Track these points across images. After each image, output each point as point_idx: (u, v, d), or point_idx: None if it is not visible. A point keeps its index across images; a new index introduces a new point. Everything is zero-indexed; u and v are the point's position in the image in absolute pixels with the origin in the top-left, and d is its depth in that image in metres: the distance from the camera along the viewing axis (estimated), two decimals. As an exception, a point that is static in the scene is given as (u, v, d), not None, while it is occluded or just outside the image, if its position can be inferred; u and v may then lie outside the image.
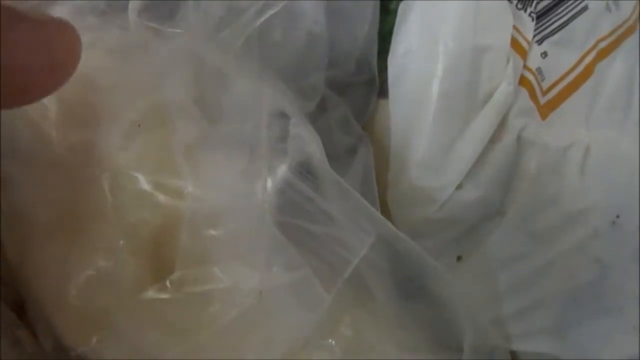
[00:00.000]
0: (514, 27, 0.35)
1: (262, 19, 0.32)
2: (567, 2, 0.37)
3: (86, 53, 0.30)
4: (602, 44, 0.39)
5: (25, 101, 0.23)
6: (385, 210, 0.35)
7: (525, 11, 0.36)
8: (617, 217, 0.36)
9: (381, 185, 0.35)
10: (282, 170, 0.27)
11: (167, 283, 0.28)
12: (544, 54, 0.36)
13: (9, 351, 0.31)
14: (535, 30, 0.36)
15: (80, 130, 0.29)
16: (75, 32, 0.24)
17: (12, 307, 0.33)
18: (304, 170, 0.27)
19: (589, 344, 0.36)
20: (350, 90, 0.35)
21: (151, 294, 0.28)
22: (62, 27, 0.24)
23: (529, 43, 0.36)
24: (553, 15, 0.36)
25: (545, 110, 0.36)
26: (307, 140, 0.28)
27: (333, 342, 0.29)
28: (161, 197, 0.27)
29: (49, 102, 0.29)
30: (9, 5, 0.22)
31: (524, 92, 0.35)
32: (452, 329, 0.32)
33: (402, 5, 0.36)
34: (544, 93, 0.36)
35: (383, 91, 0.36)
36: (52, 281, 0.30)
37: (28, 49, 0.22)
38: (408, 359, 0.30)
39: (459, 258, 0.36)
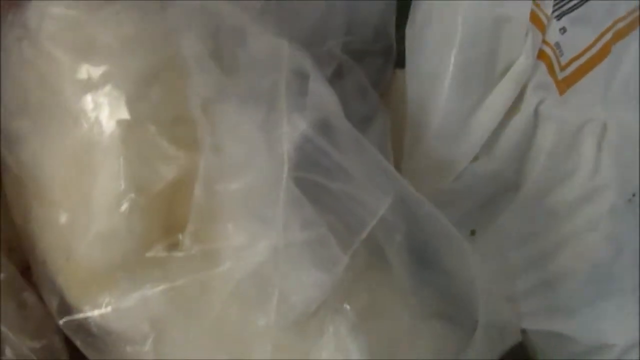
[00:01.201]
0: (533, 1, 0.35)
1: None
2: (586, -20, 0.36)
3: (103, 7, 0.30)
4: (620, 25, 0.38)
5: None
6: (400, 181, 0.34)
7: (545, -14, 0.35)
8: (633, 195, 0.35)
9: (397, 155, 0.34)
10: (301, 124, 0.26)
11: (180, 238, 0.27)
12: (563, 30, 0.36)
13: (15, 314, 0.30)
14: (554, 5, 0.36)
15: (93, 81, 0.28)
16: None
17: (19, 271, 0.32)
18: (323, 126, 0.27)
19: (602, 325, 0.36)
20: (367, 59, 0.35)
21: (160, 250, 0.27)
22: None
23: (548, 18, 0.36)
24: (572, -9, 0.36)
25: (563, 86, 0.36)
26: (326, 97, 0.27)
27: (348, 306, 0.28)
28: (176, 150, 0.27)
29: (62, 55, 0.29)
30: None
31: (542, 66, 0.35)
32: (467, 302, 0.31)
33: (421, -25, 0.36)
34: (562, 68, 0.36)
35: (400, 61, 0.35)
36: (58, 240, 0.29)
37: None
38: (422, 328, 0.30)
39: (472, 232, 0.35)
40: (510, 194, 0.35)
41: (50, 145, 0.29)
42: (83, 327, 0.29)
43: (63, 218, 0.29)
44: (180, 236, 0.27)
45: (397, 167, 0.34)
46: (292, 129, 0.26)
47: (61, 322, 0.29)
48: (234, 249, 0.27)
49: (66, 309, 0.29)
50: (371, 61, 0.35)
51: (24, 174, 0.30)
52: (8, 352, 0.29)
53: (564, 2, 0.36)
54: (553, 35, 0.36)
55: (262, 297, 0.27)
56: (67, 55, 0.29)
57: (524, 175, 0.35)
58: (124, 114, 0.27)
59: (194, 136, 0.27)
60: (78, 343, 0.29)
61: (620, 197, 0.35)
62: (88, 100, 0.28)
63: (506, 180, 0.35)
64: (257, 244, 0.26)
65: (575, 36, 0.36)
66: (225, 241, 0.27)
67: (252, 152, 0.26)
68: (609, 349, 0.36)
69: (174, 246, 0.28)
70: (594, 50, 0.37)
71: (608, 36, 0.38)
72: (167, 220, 0.28)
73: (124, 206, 0.27)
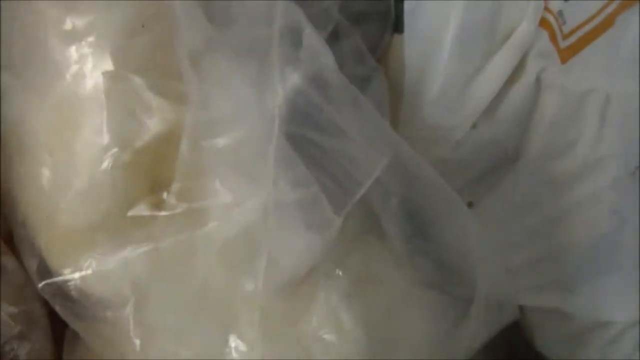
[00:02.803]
0: (536, -32, 0.34)
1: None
2: (590, -52, 0.35)
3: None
4: (624, -4, 0.37)
5: None
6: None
7: (547, -48, 0.34)
8: (637, 168, 0.34)
9: (394, 123, 0.33)
10: (294, 78, 0.25)
11: (164, 196, 0.26)
12: (566, -2, 0.35)
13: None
14: (557, -27, 0.35)
15: (78, 32, 0.27)
16: None
17: (3, 238, 0.31)
18: (317, 80, 0.25)
19: (602, 301, 0.35)
20: (365, 22, 0.34)
21: (144, 209, 0.26)
22: None
23: (550, -15, 0.34)
24: (575, -41, 0.35)
25: (565, 55, 0.34)
26: (320, 51, 0.26)
27: (340, 272, 0.27)
28: (162, 103, 0.26)
29: (45, 6, 0.27)
30: None
31: (544, 34, 0.34)
32: (464, 273, 0.30)
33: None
34: (565, 37, 0.34)
35: (398, 25, 0.34)
36: (38, 198, 0.28)
37: None
38: (418, 296, 0.28)
39: (470, 204, 0.34)
40: (509, 164, 0.34)
41: (33, 99, 0.28)
42: (62, 290, 0.27)
43: (44, 175, 0.28)
44: (165, 194, 0.26)
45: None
46: (284, 82, 0.25)
47: (40, 285, 0.28)
48: (221, 208, 0.25)
49: (46, 272, 0.28)
50: (368, 24, 0.34)
51: (7, 130, 0.29)
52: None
53: (568, -30, 0.35)
54: (556, 2, 0.34)
55: (249, 260, 0.26)
56: (50, 6, 0.27)
57: (525, 144, 0.34)
58: (109, 65, 0.26)
59: (182, 89, 0.25)
60: (57, 308, 0.28)
61: (624, 169, 0.34)
62: (72, 51, 0.27)
63: (506, 149, 0.34)
64: (246, 202, 0.25)
65: (578, 5, 0.35)
66: (211, 199, 0.25)
67: (242, 107, 0.25)
68: (609, 327, 0.35)
69: (158, 205, 0.26)
70: (597, 21, 0.36)
71: (612, 6, 0.36)
72: (152, 178, 0.27)
73: (107, 161, 0.26)
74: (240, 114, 0.25)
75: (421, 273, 0.29)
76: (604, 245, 0.34)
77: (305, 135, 0.25)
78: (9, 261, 0.30)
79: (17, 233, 0.29)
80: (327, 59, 0.26)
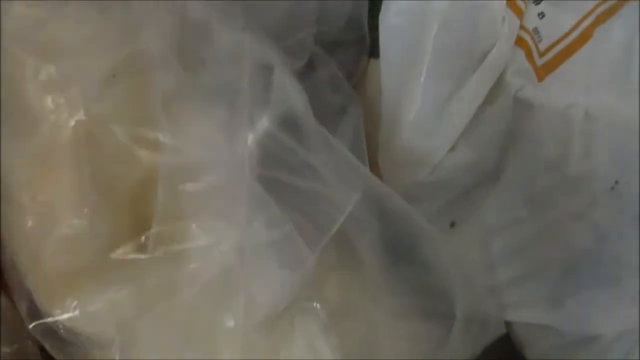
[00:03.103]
0: (511, -15, 0.34)
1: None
2: (565, -37, 0.35)
3: (64, 6, 0.29)
4: (601, 8, 0.37)
5: None
6: (376, 173, 0.33)
7: (522, -30, 0.35)
8: (616, 182, 0.34)
9: (372, 147, 0.34)
10: (264, 121, 0.26)
11: (143, 239, 0.26)
12: (541, 15, 0.35)
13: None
14: (532, -10, 0.35)
15: (55, 82, 0.27)
16: None
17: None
18: (287, 121, 0.26)
19: (587, 315, 0.35)
20: (340, 49, 0.34)
21: (127, 251, 0.27)
22: None
23: (525, 3, 0.35)
24: (551, -25, 0.35)
25: (542, 72, 0.35)
26: (290, 91, 0.27)
27: (318, 305, 0.28)
28: (138, 150, 0.26)
29: (23, 55, 0.28)
30: None
31: (520, 53, 0.34)
32: (444, 295, 0.31)
33: (393, -37, 0.35)
34: (541, 54, 0.35)
35: (374, 50, 0.35)
36: (25, 243, 0.29)
37: None
38: (397, 325, 0.29)
39: (452, 224, 0.35)
40: (490, 183, 0.34)
41: (15, 146, 0.29)
42: (52, 330, 0.28)
43: (29, 220, 0.28)
44: (144, 236, 0.27)
45: (373, 160, 0.33)
46: (254, 125, 0.26)
47: (31, 326, 0.29)
48: (199, 250, 0.26)
49: (36, 312, 0.29)
50: (344, 51, 0.34)
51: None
52: (-21, 356, 0.28)
53: (543, -15, 0.35)
54: (531, 20, 0.35)
55: (229, 298, 0.26)
56: (28, 55, 0.28)
57: (504, 164, 0.34)
58: (85, 115, 0.26)
59: (156, 136, 0.26)
60: (48, 347, 0.29)
61: (603, 185, 0.34)
62: (48, 101, 0.27)
63: (486, 169, 0.34)
64: (222, 244, 0.26)
65: (554, 21, 0.35)
66: (190, 242, 0.26)
67: (213, 152, 0.26)
68: (597, 340, 0.35)
69: (140, 247, 0.27)
70: (574, 35, 0.36)
71: (589, 20, 0.37)
72: (133, 221, 0.27)
73: (88, 208, 0.27)
74: (212, 159, 0.26)
75: (400, 301, 0.30)
76: (586, 259, 0.34)
77: (278, 177, 0.26)
78: (1, 301, 0.31)
79: (7, 274, 0.30)
80: (297, 98, 0.27)
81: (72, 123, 0.26)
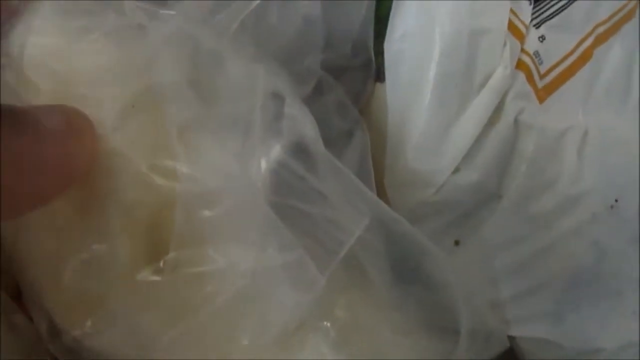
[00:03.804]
0: (511, 10, 0.35)
1: (257, 2, 0.32)
2: (564, -14, 0.37)
3: (82, 37, 0.30)
4: (601, 29, 0.39)
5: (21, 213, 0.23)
6: (382, 194, 0.35)
7: (523, -6, 0.36)
8: (616, 201, 0.35)
9: (378, 169, 0.35)
10: (276, 150, 0.27)
11: (161, 264, 0.28)
12: (542, 38, 0.36)
13: (6, 336, 0.31)
14: (532, 13, 0.36)
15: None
16: (89, 131, 0.23)
17: (10, 293, 0.33)
18: (298, 150, 0.27)
19: (588, 330, 0.36)
20: (347, 74, 0.35)
21: (146, 275, 0.28)
22: (72, 131, 0.23)
23: (526, 27, 0.36)
24: (551, -2, 0.36)
25: (543, 94, 0.36)
26: (301, 121, 0.28)
27: (328, 324, 0.29)
28: (156, 179, 0.27)
29: (42, 84, 0.29)
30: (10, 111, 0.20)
31: (521, 76, 0.35)
32: (449, 312, 0.32)
33: (398, -11, 0.36)
34: (542, 77, 0.36)
35: (380, 75, 0.36)
36: (46, 264, 0.30)
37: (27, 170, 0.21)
38: (404, 341, 0.30)
39: (456, 242, 0.36)
40: (492, 203, 0.35)
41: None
42: (73, 350, 0.29)
43: (49, 243, 0.30)
44: (163, 261, 0.28)
45: (379, 181, 0.34)
46: (267, 155, 0.27)
47: (51, 345, 0.30)
48: (215, 273, 0.27)
49: (55, 332, 0.30)
50: (351, 76, 0.36)
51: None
52: (-1, 375, 0.30)
53: (543, 10, 0.36)
54: (532, 44, 0.36)
55: (243, 318, 0.28)
56: (46, 84, 0.29)
57: (506, 184, 0.35)
58: (103, 145, 0.28)
59: (173, 165, 0.27)
60: (68, 366, 0.30)
61: (603, 204, 0.35)
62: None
63: (488, 190, 0.35)
64: (237, 267, 0.27)
65: (555, 43, 0.36)
66: (206, 265, 0.27)
67: (228, 179, 0.27)
68: (598, 353, 0.37)
69: (158, 271, 0.28)
70: (574, 57, 0.37)
71: (589, 41, 0.38)
72: (151, 246, 0.28)
73: (108, 233, 0.28)
74: (227, 187, 0.27)
75: (407, 318, 0.31)
76: (586, 276, 0.35)
77: (289, 203, 0.27)
78: (20, 319, 0.32)
79: (25, 292, 0.31)
80: (307, 128, 0.28)
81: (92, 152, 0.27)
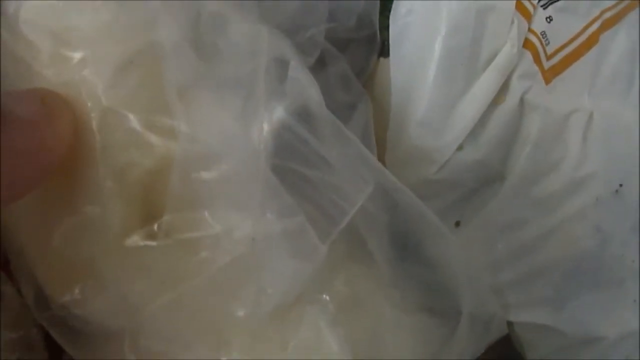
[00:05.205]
0: (519, -10, 0.35)
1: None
2: (572, -31, 0.36)
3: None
4: (607, 15, 0.38)
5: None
6: (383, 171, 0.34)
7: (531, -26, 0.35)
8: (620, 186, 0.35)
9: (380, 145, 0.34)
10: (279, 111, 0.26)
11: (155, 228, 0.26)
12: (549, 19, 0.35)
13: (-7, 305, 0.30)
14: (540, -6, 0.35)
15: (72, 68, 0.27)
16: (65, 115, 0.23)
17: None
18: (302, 113, 0.26)
19: (588, 317, 0.35)
20: (351, 47, 0.34)
21: (138, 239, 0.27)
22: (46, 118, 0.23)
23: (534, 6, 0.35)
24: (558, -20, 0.36)
25: (549, 75, 0.35)
26: (305, 84, 0.27)
27: (327, 297, 0.28)
28: (152, 138, 0.26)
29: (41, 42, 0.28)
30: None
31: (528, 55, 0.35)
32: (450, 293, 0.31)
33: (405, -37, 0.35)
34: (548, 57, 0.35)
35: (384, 50, 0.35)
36: (34, 229, 0.29)
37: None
38: (404, 320, 0.29)
39: (457, 223, 0.35)
40: (495, 184, 0.35)
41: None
42: (60, 319, 0.28)
43: (39, 206, 0.28)
44: (156, 224, 0.27)
45: (381, 157, 0.34)
46: (270, 116, 0.26)
47: (38, 314, 0.29)
48: (211, 238, 0.26)
49: (43, 300, 0.29)
50: (355, 49, 0.35)
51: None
52: (-17, 343, 0.28)
53: (551, -10, 0.36)
54: (539, 24, 0.35)
55: (240, 287, 0.27)
56: (43, 41, 0.28)
57: (510, 165, 0.35)
58: (99, 100, 0.26)
59: (171, 124, 0.26)
60: (55, 335, 0.29)
61: (607, 188, 0.35)
62: (66, 86, 0.27)
63: (491, 170, 0.34)
64: (234, 233, 0.26)
65: (562, 25, 0.36)
66: (202, 231, 0.26)
67: (229, 141, 0.26)
68: (599, 342, 0.36)
69: (152, 235, 0.27)
70: (580, 40, 0.37)
71: (595, 26, 0.37)
72: (145, 209, 0.27)
73: (101, 194, 0.27)
74: (227, 148, 0.26)
75: (408, 296, 0.30)
76: (588, 261, 0.35)
77: (291, 168, 0.26)
78: (6, 288, 0.30)
79: (13, 261, 0.30)
80: (312, 91, 0.27)
81: (86, 111, 0.26)
